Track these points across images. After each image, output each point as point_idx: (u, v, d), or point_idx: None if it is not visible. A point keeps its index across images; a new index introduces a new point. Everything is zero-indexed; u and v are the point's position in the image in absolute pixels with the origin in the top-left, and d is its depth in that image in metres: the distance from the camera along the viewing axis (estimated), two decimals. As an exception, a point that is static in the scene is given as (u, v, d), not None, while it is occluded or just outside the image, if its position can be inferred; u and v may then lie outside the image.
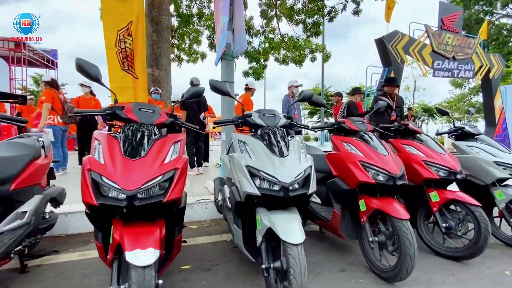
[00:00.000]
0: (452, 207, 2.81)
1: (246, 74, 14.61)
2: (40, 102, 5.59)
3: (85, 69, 1.91)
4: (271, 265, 1.80)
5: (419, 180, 2.79)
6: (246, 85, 7.26)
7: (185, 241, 2.98)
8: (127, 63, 4.52)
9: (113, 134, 1.86)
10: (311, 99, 2.57)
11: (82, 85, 6.41)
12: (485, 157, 3.03)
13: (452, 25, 10.11)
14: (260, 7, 15.33)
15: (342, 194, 2.57)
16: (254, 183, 1.86)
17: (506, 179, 3.07)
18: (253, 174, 1.86)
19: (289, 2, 14.76)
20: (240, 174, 1.91)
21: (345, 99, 9.42)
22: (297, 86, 6.71)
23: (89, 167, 1.63)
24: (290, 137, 2.18)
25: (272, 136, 2.09)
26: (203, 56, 16.98)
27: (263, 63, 15.50)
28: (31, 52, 11.62)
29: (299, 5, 14.79)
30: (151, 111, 2.03)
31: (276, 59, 15.68)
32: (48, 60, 12.69)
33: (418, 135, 3.03)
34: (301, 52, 14.98)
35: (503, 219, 3.05)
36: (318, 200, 2.97)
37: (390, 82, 4.96)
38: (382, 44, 9.40)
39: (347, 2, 13.67)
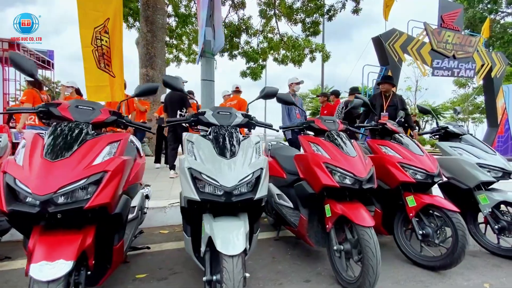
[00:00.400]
0: (435, 212, 2.61)
1: (243, 74, 14.45)
2: (21, 102, 5.48)
3: (19, 64, 1.79)
4: (213, 277, 1.63)
5: (394, 183, 2.60)
6: (237, 87, 7.09)
7: (148, 247, 2.84)
8: (103, 61, 4.39)
9: (41, 133, 1.71)
10: (275, 96, 2.39)
11: (62, 85, 6.30)
12: (468, 158, 2.83)
13: (452, 22, 9.85)
14: (260, 7, 15.21)
15: (307, 198, 2.39)
16: (197, 187, 1.70)
17: (492, 182, 2.86)
18: (196, 177, 1.70)
19: (288, 1, 14.60)
20: (183, 177, 1.75)
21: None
22: (298, 83, 6.20)
23: (5, 169, 1.48)
24: (244, 136, 2.01)
25: (223, 136, 1.92)
26: (203, 56, 16.82)
27: (261, 63, 15.35)
28: (26, 53, 11.56)
29: (298, 4, 14.64)
30: (91, 108, 1.88)
31: (275, 59, 15.53)
32: (44, 61, 12.62)
33: (396, 135, 2.83)
34: (300, 52, 14.79)
35: (488, 225, 2.83)
36: (290, 204, 2.79)
37: (384, 80, 4.76)
38: (379, 43, 9.20)
39: (346, 0, 13.45)
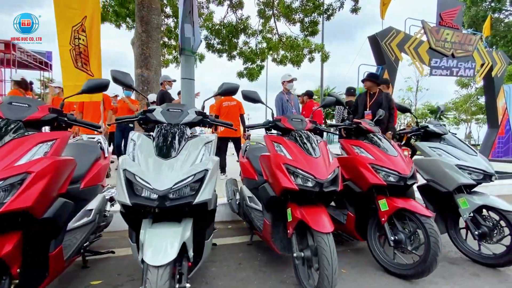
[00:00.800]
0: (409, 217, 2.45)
1: (240, 75, 14.35)
2: (4, 102, 5.43)
3: None
4: None
5: (365, 185, 2.45)
6: None
7: (113, 252, 2.72)
8: (80, 60, 4.30)
9: None
10: (235, 92, 2.24)
11: (49, 86, 6.25)
12: (447, 159, 2.66)
13: (451, 20, 9.61)
14: (258, 6, 15.08)
15: (270, 202, 2.25)
16: (134, 190, 1.57)
17: (474, 185, 2.70)
18: (130, 180, 1.57)
19: (287, 1, 14.45)
20: (118, 179, 1.62)
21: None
22: (290, 81, 5.80)
23: None
24: (193, 134, 1.88)
25: (168, 134, 1.79)
26: (202, 57, 16.86)
27: (259, 63, 15.23)
28: (22, 54, 11.57)
29: (297, 4, 14.47)
30: (26, 105, 1.76)
31: (274, 60, 15.37)
32: (41, 62, 12.64)
33: (370, 134, 2.68)
34: (299, 52, 14.62)
35: (469, 231, 2.66)
36: (260, 207, 2.65)
37: (367, 77, 4.59)
38: (375, 42, 9.02)
39: (345, -1, 13.28)
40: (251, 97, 2.47)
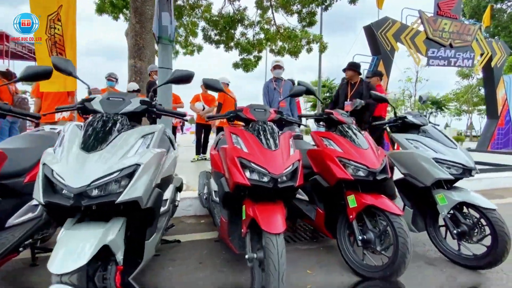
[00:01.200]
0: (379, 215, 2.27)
1: (236, 65, 14.20)
2: (-13, 93, 5.31)
3: None
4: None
5: (333, 180, 2.27)
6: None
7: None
8: (55, 50, 4.16)
9: None
10: (189, 80, 2.05)
11: None
12: (424, 152, 2.47)
13: (450, 10, 9.32)
14: (257, -3, 14.80)
15: (225, 197, 2.09)
16: (53, 187, 1.41)
17: (455, 180, 2.52)
18: (47, 175, 1.41)
19: (285, -8, 14.14)
20: (37, 175, 1.46)
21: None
22: (275, 67, 5.28)
23: None
24: (131, 125, 1.72)
25: (102, 125, 1.61)
26: (200, 48, 16.66)
27: (256, 54, 15.02)
28: (17, 45, 11.46)
29: (295, -6, 14.16)
30: None
31: (272, 51, 15.16)
32: (36, 54, 12.50)
33: (342, 125, 2.50)
34: (297, 43, 14.37)
35: (448, 229, 2.47)
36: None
37: (348, 66, 4.37)
38: (370, 32, 8.78)
39: (342, -10, 12.94)
40: (213, 86, 2.30)
